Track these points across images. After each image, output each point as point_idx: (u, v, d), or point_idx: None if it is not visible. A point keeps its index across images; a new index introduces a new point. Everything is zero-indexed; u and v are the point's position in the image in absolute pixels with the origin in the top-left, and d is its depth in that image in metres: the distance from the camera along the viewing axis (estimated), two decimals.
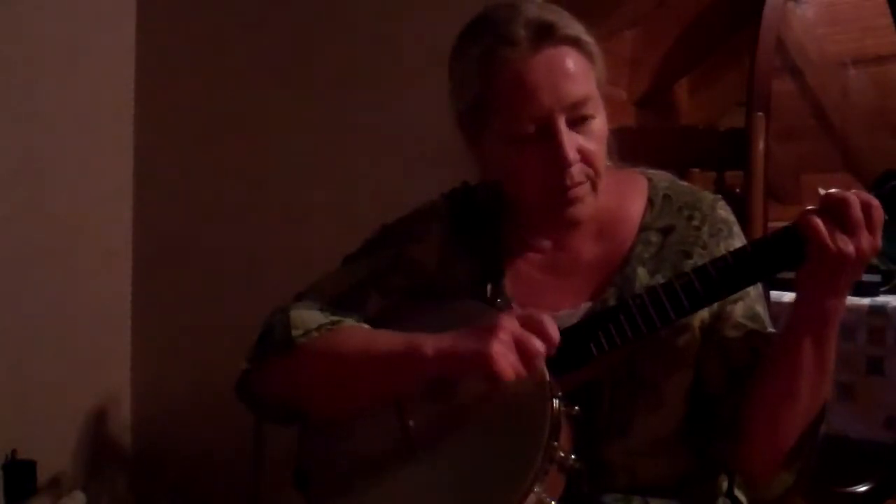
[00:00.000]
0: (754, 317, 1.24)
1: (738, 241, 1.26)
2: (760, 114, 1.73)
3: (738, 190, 1.73)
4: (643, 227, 1.26)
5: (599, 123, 1.20)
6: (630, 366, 1.20)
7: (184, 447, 2.51)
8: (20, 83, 2.30)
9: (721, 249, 1.22)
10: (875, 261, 2.84)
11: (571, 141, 1.17)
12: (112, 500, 2.52)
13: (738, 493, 1.32)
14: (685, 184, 1.33)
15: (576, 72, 1.17)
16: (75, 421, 2.47)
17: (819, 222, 1.08)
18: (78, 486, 2.39)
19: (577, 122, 1.18)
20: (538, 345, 1.08)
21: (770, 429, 1.16)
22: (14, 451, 2.25)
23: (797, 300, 1.14)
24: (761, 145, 1.70)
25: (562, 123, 1.16)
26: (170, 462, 2.54)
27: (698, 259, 1.22)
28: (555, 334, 1.09)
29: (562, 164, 1.16)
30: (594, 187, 1.20)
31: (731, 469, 1.30)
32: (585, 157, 1.18)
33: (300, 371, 1.22)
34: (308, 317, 1.23)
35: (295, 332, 1.21)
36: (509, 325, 1.08)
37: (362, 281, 1.29)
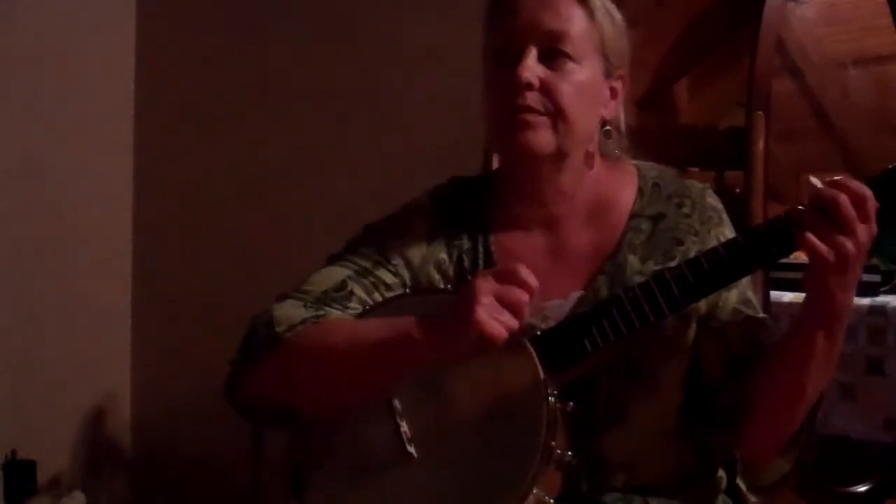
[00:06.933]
0: (747, 301, 1.25)
1: (728, 228, 1.27)
2: (760, 114, 1.74)
3: (738, 190, 1.73)
4: (633, 215, 1.26)
5: (581, 72, 1.21)
6: (625, 352, 1.20)
7: (183, 447, 2.51)
8: (21, 83, 2.30)
9: (712, 237, 1.23)
10: (875, 261, 2.84)
11: (534, 68, 1.18)
12: (112, 500, 2.52)
13: (739, 482, 1.31)
14: (673, 171, 1.33)
15: (562, 10, 1.20)
16: (75, 421, 2.47)
17: (814, 240, 1.07)
18: (78, 486, 2.39)
19: (550, 56, 1.19)
20: (520, 293, 1.07)
21: (773, 418, 1.17)
22: (14, 451, 2.24)
23: (806, 299, 1.13)
24: (761, 145, 1.70)
25: (530, 50, 1.19)
26: (169, 462, 2.53)
27: (690, 246, 1.22)
28: (532, 281, 1.08)
29: (514, 82, 1.18)
30: (554, 125, 1.20)
31: (730, 454, 1.30)
32: (548, 90, 1.19)
33: (289, 367, 1.20)
34: (292, 313, 1.22)
35: (279, 329, 1.20)
36: (486, 285, 1.07)
37: (346, 278, 1.28)
